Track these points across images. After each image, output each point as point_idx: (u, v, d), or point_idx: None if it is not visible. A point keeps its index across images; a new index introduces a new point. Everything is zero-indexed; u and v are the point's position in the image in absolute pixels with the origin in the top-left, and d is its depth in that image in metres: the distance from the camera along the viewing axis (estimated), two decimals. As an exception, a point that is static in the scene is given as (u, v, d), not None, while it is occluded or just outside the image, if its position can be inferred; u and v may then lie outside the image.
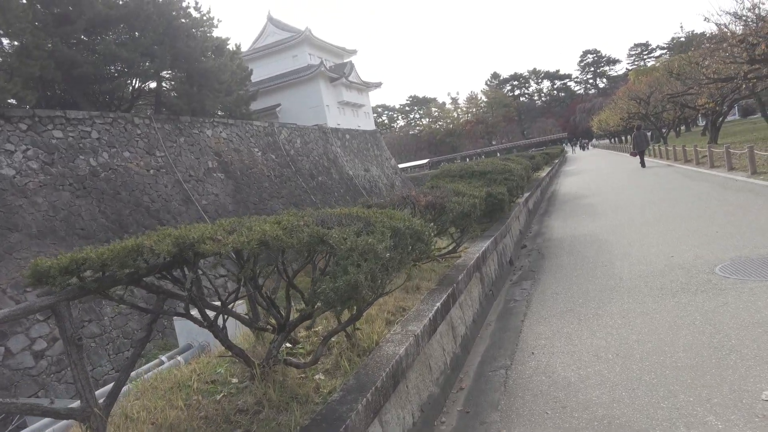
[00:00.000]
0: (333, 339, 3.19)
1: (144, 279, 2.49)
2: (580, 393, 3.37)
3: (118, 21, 23.42)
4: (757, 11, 14.00)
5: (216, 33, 32.69)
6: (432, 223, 4.99)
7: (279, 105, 48.41)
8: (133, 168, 22.03)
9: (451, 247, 5.40)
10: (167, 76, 30.61)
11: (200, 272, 2.65)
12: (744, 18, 14.58)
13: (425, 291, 4.33)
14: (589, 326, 4.56)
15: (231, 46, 42.08)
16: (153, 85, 29.66)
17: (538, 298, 5.81)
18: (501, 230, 7.56)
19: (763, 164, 13.49)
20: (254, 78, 47.70)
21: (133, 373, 3.52)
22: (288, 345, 3.24)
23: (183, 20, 28.50)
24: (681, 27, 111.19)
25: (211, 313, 2.74)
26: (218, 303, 2.75)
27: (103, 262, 2.19)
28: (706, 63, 15.96)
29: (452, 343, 4.15)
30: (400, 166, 66.35)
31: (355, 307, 2.54)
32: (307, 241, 2.29)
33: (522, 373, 3.87)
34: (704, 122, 53.48)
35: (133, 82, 28.56)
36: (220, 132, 30.27)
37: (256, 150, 32.96)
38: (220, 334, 2.61)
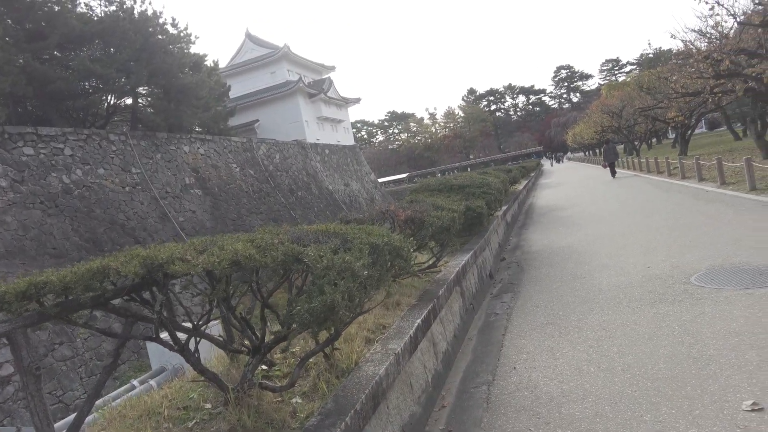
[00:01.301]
0: (311, 360, 3.09)
1: (111, 302, 2.38)
2: (563, 408, 3.33)
3: (93, 37, 23.11)
4: (719, 29, 14.53)
5: (194, 49, 32.50)
6: (411, 238, 4.95)
7: (257, 121, 48.27)
8: (108, 185, 21.61)
9: (431, 262, 5.36)
10: (144, 92, 30.30)
11: (173, 293, 2.55)
12: (708, 35, 15.10)
13: (406, 307, 4.27)
14: (569, 339, 4.55)
15: (209, 63, 41.85)
16: (129, 101, 29.32)
17: (519, 311, 5.79)
18: (480, 244, 7.56)
19: (730, 175, 13.86)
20: (232, 94, 47.63)
21: (100, 401, 3.36)
22: (264, 367, 3.13)
23: (160, 36, 28.29)
24: (649, 44, 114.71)
25: (183, 336, 2.64)
26: (191, 325, 2.65)
27: (66, 285, 2.08)
28: (674, 78, 16.47)
29: (434, 360, 4.08)
30: (380, 180, 66.55)
31: (332, 328, 2.46)
32: (281, 259, 2.22)
33: (504, 389, 3.82)
34: (674, 135, 55.04)
35: (109, 98, 28.15)
36: (198, 148, 29.96)
37: (235, 166, 32.69)
38: (192, 358, 2.50)
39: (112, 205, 21.09)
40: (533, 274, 7.57)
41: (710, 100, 17.41)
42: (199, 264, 2.12)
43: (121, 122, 30.91)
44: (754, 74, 12.05)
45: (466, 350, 4.94)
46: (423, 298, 4.45)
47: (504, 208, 12.54)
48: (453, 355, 4.69)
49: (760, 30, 12.53)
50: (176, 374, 4.30)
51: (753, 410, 2.86)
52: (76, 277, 2.10)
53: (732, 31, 13.37)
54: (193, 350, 2.62)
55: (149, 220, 23.55)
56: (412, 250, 4.33)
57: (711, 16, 11.93)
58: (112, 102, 28.52)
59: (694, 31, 14.44)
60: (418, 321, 3.77)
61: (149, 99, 30.87)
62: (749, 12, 12.65)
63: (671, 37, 14.03)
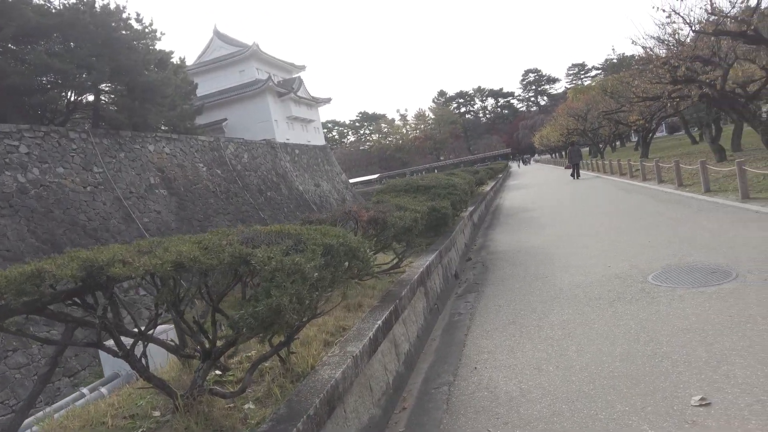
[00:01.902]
0: (266, 365, 3.02)
1: (49, 306, 2.26)
2: (522, 408, 3.35)
3: (51, 30, 22.25)
4: (677, 36, 15.05)
5: (159, 46, 31.72)
6: (375, 238, 4.92)
7: (225, 120, 47.48)
8: (68, 185, 20.89)
9: (394, 262, 5.33)
10: (107, 89, 29.42)
11: (118, 297, 2.44)
12: (666, 42, 15.61)
13: (368, 308, 4.22)
14: (530, 338, 4.59)
15: (175, 60, 40.92)
16: (91, 98, 28.41)
17: (482, 311, 5.83)
18: (446, 244, 7.58)
19: (687, 177, 14.37)
20: (200, 92, 46.70)
21: (41, 413, 3.20)
22: (218, 372, 3.04)
23: (123, 32, 27.48)
24: (613, 49, 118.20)
25: (130, 341, 2.52)
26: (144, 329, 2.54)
27: (-5, 290, 1.96)
28: (636, 83, 16.98)
29: (395, 362, 4.05)
30: (351, 180, 66.38)
31: (283, 333, 2.40)
32: (228, 261, 2.14)
33: (465, 390, 3.82)
34: (636, 138, 56.79)
35: (69, 94, 27.17)
36: (163, 147, 29.29)
37: (201, 165, 32.08)
38: (137, 364, 2.39)
39: (72, 206, 20.39)
40: (498, 274, 7.64)
41: (669, 104, 18.01)
42: (140, 267, 2.03)
43: (82, 120, 29.91)
44: (708, 81, 12.52)
45: (429, 351, 4.94)
46: (385, 300, 4.42)
47: (471, 208, 12.65)
48: (416, 355, 4.67)
49: (713, 38, 13.03)
50: (128, 381, 4.14)
51: (701, 405, 2.93)
52: (7, 282, 1.97)
53: (688, 38, 13.88)
54: (140, 355, 2.52)
55: (112, 221, 22.91)
56: (371, 250, 4.30)
57: (669, 24, 12.38)
58: (72, 99, 27.58)
59: (654, 38, 14.90)
60: (379, 323, 3.73)
61: (112, 96, 30.02)
62: (704, 21, 13.14)
63: (632, 43, 14.49)
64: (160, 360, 3.45)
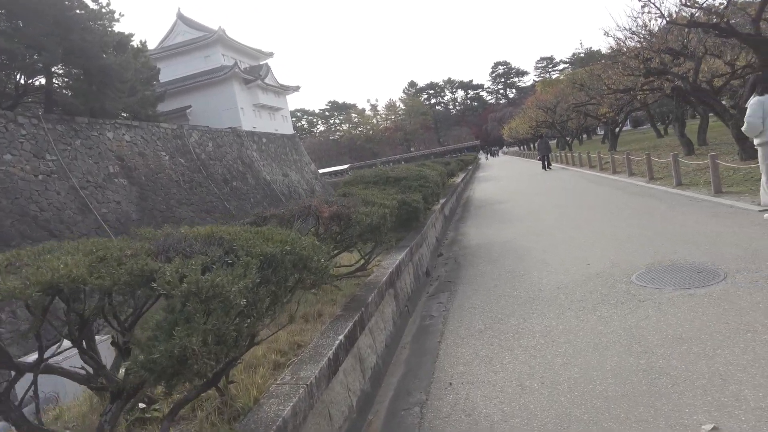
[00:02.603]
0: (203, 395, 2.47)
1: None
2: (505, 435, 2.90)
3: (-5, 6, 20.71)
4: (648, 28, 14.94)
5: (119, 28, 30.22)
6: (339, 236, 4.38)
7: (190, 107, 45.91)
8: (17, 173, 19.62)
9: (360, 264, 4.81)
10: (60, 71, 27.86)
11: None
12: (638, 34, 15.48)
13: (329, 318, 3.70)
14: (510, 347, 4.16)
15: (135, 43, 39.13)
16: (43, 81, 26.87)
17: (456, 313, 5.38)
18: (417, 239, 7.11)
19: (657, 170, 14.31)
20: (163, 78, 45.04)
21: None
22: (142, 405, 2.47)
23: (78, 11, 25.93)
24: (581, 43, 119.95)
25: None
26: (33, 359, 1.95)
27: None
28: (609, 73, 16.86)
29: (360, 379, 3.55)
30: (321, 171, 65.44)
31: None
32: (126, 281, 1.59)
33: (439, 411, 3.35)
34: (603, 131, 57.69)
35: (18, 76, 25.56)
36: (123, 134, 27.99)
37: (164, 154, 30.87)
38: (13, 412, 1.80)
39: (21, 195, 19.14)
40: (471, 271, 7.22)
41: (639, 97, 18.00)
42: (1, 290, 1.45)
43: (34, 104, 28.24)
44: (680, 73, 12.40)
45: (398, 361, 4.45)
46: (350, 307, 3.90)
47: (442, 201, 12.24)
48: (384, 368, 4.18)
49: (686, 30, 12.92)
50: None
51: (714, 437, 2.53)
52: None
53: (658, 30, 13.74)
54: (24, 395, 1.93)
55: (67, 212, 21.74)
56: (334, 250, 3.78)
57: (644, 13, 12.18)
58: (22, 81, 25.95)
59: (626, 29, 14.73)
60: (341, 337, 3.21)
61: (67, 80, 28.47)
62: (676, 12, 13.01)
63: (604, 34, 14.26)
64: (76, 391, 2.85)
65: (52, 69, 25.87)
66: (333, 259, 4.53)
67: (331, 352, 2.98)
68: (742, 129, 7.03)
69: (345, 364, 3.27)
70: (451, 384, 3.72)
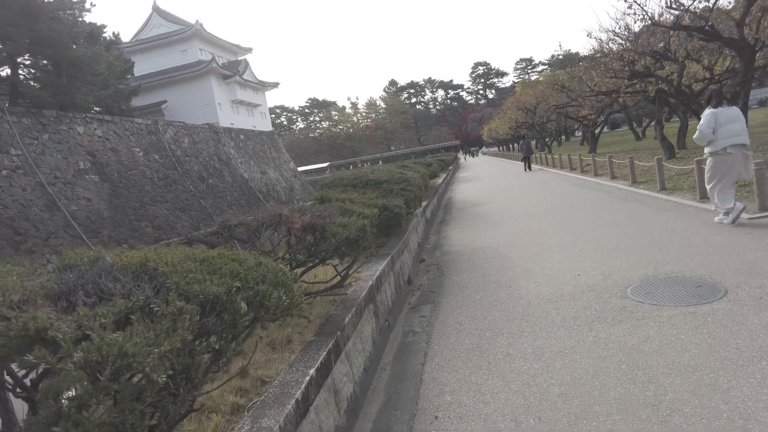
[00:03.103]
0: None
1: None
2: (501, 487, 2.51)
3: (-46, -8, 19.71)
4: (631, 30, 14.83)
5: (90, 19, 29.25)
6: (313, 248, 3.94)
7: (165, 102, 44.83)
8: (-23, 168, 18.72)
9: (336, 280, 4.36)
10: (27, 62, 26.80)
11: None
12: (621, 36, 15.37)
13: (299, 345, 3.26)
14: (501, 372, 3.78)
15: (108, 35, 38.01)
16: (8, 71, 25.83)
17: (440, 329, 4.99)
18: (398, 247, 6.71)
19: (639, 174, 14.21)
20: (138, 72, 43.94)
21: None
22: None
23: (46, 0, 24.95)
24: (560, 45, 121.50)
25: None
26: None
27: None
28: (591, 75, 16.73)
29: (335, 414, 3.12)
30: (300, 169, 64.71)
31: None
32: (2, 344, 1.14)
33: (424, 452, 2.95)
34: (581, 133, 58.23)
35: (-20, 67, 24.46)
36: (95, 129, 27.01)
37: (137, 150, 29.97)
38: None
39: (-17, 192, 18.23)
40: (454, 279, 6.85)
41: (620, 100, 17.94)
42: None
43: (-1, 96, 27.14)
44: (666, 76, 12.27)
45: (378, 387, 4.04)
46: (324, 331, 3.46)
47: (424, 203, 11.88)
48: (362, 396, 3.76)
49: (669, 33, 12.81)
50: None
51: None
52: None
53: (642, 32, 13.60)
54: None
55: (33, 209, 20.86)
56: (298, 285, 3.35)
57: (629, 14, 12.01)
58: (-17, 72, 24.88)
59: (609, 31, 14.58)
60: (312, 372, 2.79)
61: (34, 71, 27.39)
62: (659, 15, 12.88)
63: (587, 35, 14.08)
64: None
65: (18, 59, 24.80)
66: (308, 273, 4.09)
67: (299, 391, 2.55)
68: (694, 137, 7.56)
69: (318, 399, 2.85)
70: (437, 417, 3.32)
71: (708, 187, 7.48)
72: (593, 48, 15.65)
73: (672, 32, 12.74)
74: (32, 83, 27.21)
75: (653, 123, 21.29)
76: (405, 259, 7.24)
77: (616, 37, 14.44)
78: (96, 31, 31.46)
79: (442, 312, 5.55)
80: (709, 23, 10.59)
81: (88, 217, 23.43)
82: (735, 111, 7.20)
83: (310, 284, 4.07)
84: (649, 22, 11.49)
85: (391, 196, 6.82)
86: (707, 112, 7.23)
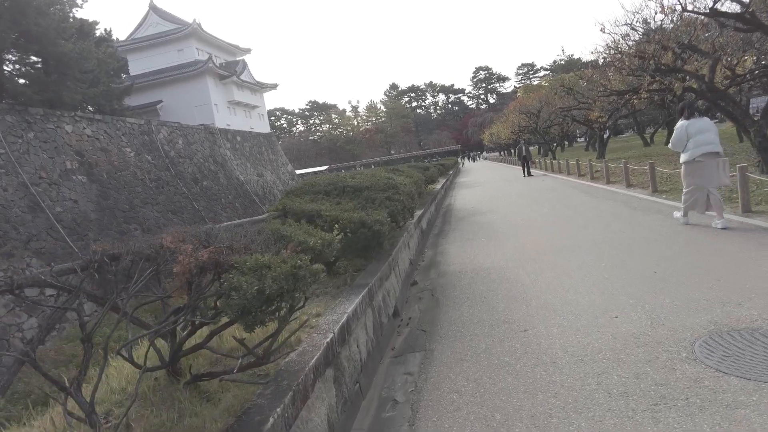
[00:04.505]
0: None
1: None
2: None
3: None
4: (650, 24, 13.45)
5: (85, 16, 28.43)
6: (218, 299, 2.49)
7: (161, 102, 43.76)
8: (-45, 167, 17.75)
9: (260, 352, 2.78)
10: (13, 58, 25.76)
11: None
12: (638, 30, 13.95)
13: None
14: (523, 503, 2.33)
15: (100, 32, 37.02)
16: (-8, 67, 24.72)
17: (430, 399, 3.55)
18: (382, 272, 5.26)
19: (660, 181, 12.79)
20: (133, 71, 43.04)
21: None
22: None
23: (33, -6, 23.92)
24: (563, 50, 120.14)
25: None
26: None
27: None
28: (607, 73, 15.26)
29: None
30: (299, 171, 63.48)
31: None
32: None
33: None
34: (586, 139, 56.77)
35: (-39, 62, 23.42)
36: (84, 128, 25.92)
37: (129, 150, 28.85)
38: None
39: (-39, 191, 17.07)
40: (452, 314, 5.41)
41: (634, 101, 16.51)
42: None
43: (-20, 93, 25.99)
44: (696, 71, 10.84)
45: None
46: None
47: (419, 212, 10.45)
48: None
49: (698, 25, 11.40)
50: None
51: None
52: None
53: (670, 21, 12.17)
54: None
55: (14, 210, 19.76)
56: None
57: (649, 3, 10.59)
58: (-36, 67, 23.81)
59: (627, 24, 13.17)
60: None
61: (19, 67, 26.31)
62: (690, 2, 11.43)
63: (600, 30, 12.73)
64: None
65: (3, 55, 23.67)
66: (213, 338, 2.63)
67: None
68: (669, 145, 8.30)
69: None
70: None
71: (684, 191, 7.92)
72: (607, 44, 14.24)
73: (699, 25, 11.33)
74: (18, 80, 26.13)
75: (662, 128, 19.94)
76: (391, 286, 5.79)
77: (633, 31, 13.05)
78: (87, 27, 30.26)
79: (434, 368, 4.09)
80: (749, 10, 9.19)
81: (73, 219, 22.32)
82: (706, 122, 7.58)
83: (221, 357, 2.61)
84: (679, 8, 10.09)
85: (373, 207, 5.36)
86: (680, 123, 7.67)
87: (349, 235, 4.68)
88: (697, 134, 7.39)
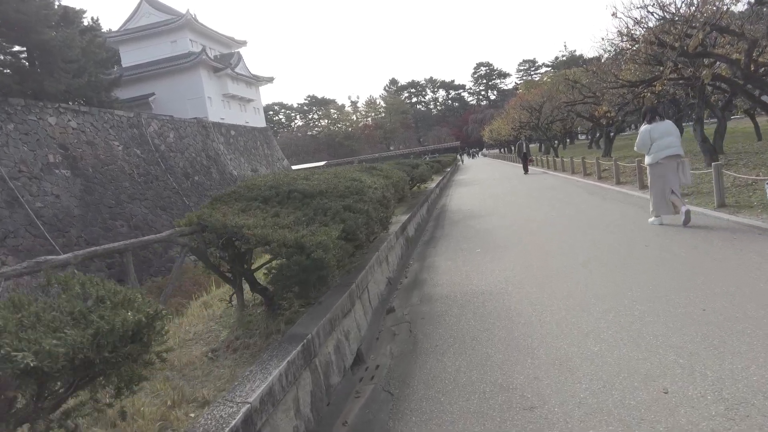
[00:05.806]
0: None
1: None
2: None
3: None
4: (665, 8, 12.00)
5: (70, 4, 27.24)
6: None
7: (153, 94, 42.38)
8: (-72, 158, 16.52)
9: None
10: (-8, 46, 24.49)
11: None
12: (657, 14, 12.47)
13: None
14: None
15: (87, 21, 35.62)
16: (-32, 55, 23.54)
17: None
18: (331, 314, 3.81)
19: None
20: (125, 63, 41.96)
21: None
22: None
23: (11, -22, 22.74)
24: (565, 46, 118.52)
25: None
26: None
27: None
28: (620, 62, 13.79)
29: None
30: (297, 167, 62.03)
31: None
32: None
33: None
34: (586, 136, 55.24)
35: (-64, 50, 22.22)
36: (69, 120, 24.73)
37: (117, 144, 27.64)
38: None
39: (-67, 185, 15.91)
40: (431, 367, 3.98)
41: (646, 93, 15.06)
42: None
43: (-43, 82, 24.80)
44: (731, 56, 9.38)
45: None
46: None
47: (405, 218, 9.00)
48: None
49: (727, 5, 9.95)
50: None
51: None
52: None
53: (689, 5, 10.71)
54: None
55: (-11, 205, 18.67)
56: None
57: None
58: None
59: (642, 7, 11.68)
60: None
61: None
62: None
63: (612, 15, 11.35)
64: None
65: (-19, 43, 22.47)
66: None
67: None
68: (635, 148, 8.32)
69: None
70: None
71: (650, 192, 8.18)
72: (618, 30, 12.76)
73: (728, 6, 9.88)
74: (-3, 69, 24.90)
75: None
76: (352, 324, 4.34)
77: (650, 15, 11.59)
78: (72, 15, 28.86)
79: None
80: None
81: (55, 215, 21.14)
82: (668, 125, 7.84)
83: None
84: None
85: (322, 222, 3.86)
86: (643, 128, 7.95)
87: (283, 261, 3.26)
88: (661, 137, 7.67)
